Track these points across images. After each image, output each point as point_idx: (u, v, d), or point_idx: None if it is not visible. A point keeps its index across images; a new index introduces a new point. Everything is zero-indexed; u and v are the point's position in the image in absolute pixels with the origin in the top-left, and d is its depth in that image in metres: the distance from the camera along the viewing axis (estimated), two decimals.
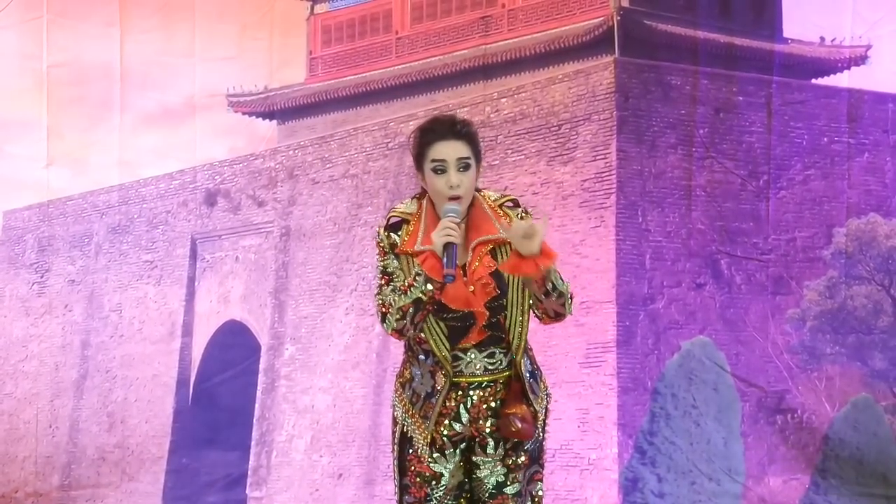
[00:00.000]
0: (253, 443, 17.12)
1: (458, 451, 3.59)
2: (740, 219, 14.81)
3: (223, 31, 13.35)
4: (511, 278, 3.50)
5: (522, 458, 3.58)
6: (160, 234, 17.86)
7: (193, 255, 18.01)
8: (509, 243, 3.48)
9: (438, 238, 3.45)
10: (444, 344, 3.54)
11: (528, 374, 3.56)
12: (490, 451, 3.57)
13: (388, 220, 3.61)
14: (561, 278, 3.51)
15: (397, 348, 17.09)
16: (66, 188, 15.71)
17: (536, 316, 3.58)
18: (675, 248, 14.79)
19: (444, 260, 3.42)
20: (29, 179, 15.30)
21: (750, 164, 14.72)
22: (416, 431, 3.58)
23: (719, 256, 14.73)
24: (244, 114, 17.75)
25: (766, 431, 13.95)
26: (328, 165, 17.19)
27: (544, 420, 3.62)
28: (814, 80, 15.83)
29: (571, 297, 3.54)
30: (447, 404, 3.55)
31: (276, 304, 17.50)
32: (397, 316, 3.49)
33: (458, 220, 3.47)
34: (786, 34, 16.41)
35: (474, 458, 3.58)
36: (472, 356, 3.55)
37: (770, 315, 14.51)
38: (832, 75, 15.94)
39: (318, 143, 17.30)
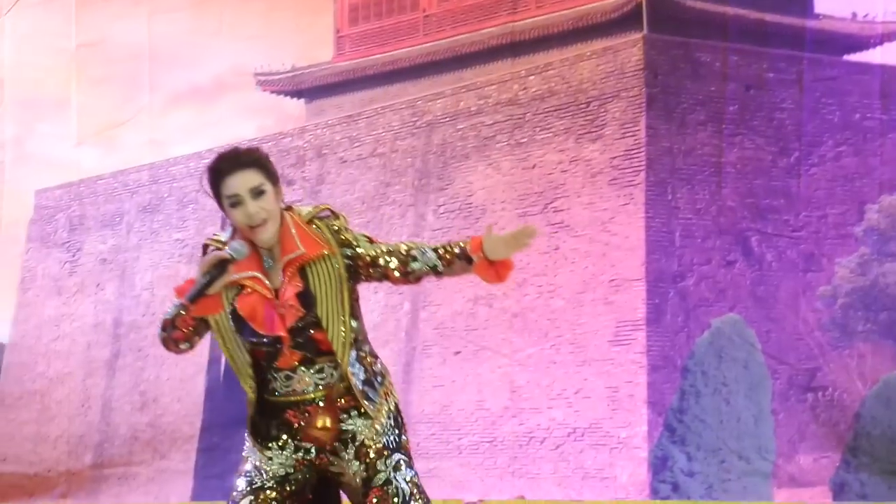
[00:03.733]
0: None
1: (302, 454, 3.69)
2: (771, 196, 14.74)
3: (251, 9, 13.36)
4: (319, 291, 3.56)
5: (372, 453, 3.63)
6: (191, 212, 17.90)
7: None
8: (316, 259, 3.55)
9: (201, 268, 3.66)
10: (245, 366, 3.62)
11: (359, 383, 3.63)
12: (343, 454, 3.64)
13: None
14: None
15: (426, 326, 17.07)
16: (96, 167, 15.75)
17: (397, 278, 3.71)
18: (705, 225, 14.74)
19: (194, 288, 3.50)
20: (60, 158, 15.38)
21: (781, 140, 14.65)
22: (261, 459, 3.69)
23: (750, 234, 14.68)
24: (272, 92, 17.76)
25: (796, 409, 13.90)
26: (356, 144, 17.19)
27: (397, 418, 3.68)
28: (846, 57, 15.74)
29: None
30: (291, 424, 3.64)
31: None
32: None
33: (229, 258, 3.54)
34: (817, 10, 16.31)
35: (333, 469, 3.66)
36: (302, 373, 3.61)
37: (801, 292, 14.45)
38: (865, 51, 15.84)
39: (346, 121, 17.30)
